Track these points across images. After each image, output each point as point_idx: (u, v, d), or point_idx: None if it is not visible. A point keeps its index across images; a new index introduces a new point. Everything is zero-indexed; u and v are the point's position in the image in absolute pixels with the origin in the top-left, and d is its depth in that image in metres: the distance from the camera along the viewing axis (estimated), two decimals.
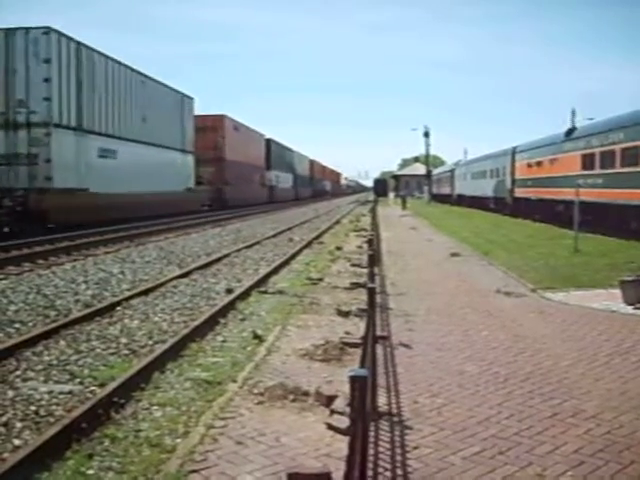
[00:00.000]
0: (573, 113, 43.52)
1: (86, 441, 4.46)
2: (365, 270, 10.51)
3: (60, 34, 20.47)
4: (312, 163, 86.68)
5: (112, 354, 6.78)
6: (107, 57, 24.06)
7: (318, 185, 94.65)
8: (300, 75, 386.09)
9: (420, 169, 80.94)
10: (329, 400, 4.98)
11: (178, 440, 4.49)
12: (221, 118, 40.47)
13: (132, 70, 26.44)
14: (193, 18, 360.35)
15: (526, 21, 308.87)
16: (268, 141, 55.80)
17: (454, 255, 15.34)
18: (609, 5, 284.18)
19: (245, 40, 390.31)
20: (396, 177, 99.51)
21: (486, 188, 40.95)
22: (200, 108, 38.88)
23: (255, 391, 5.38)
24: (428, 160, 69.76)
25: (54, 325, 7.81)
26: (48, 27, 19.85)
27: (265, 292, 10.63)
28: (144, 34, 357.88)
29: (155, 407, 5.21)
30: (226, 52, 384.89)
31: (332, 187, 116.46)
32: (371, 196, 69.97)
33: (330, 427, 4.51)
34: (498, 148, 39.69)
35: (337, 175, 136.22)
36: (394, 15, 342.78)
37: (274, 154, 57.32)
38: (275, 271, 13.17)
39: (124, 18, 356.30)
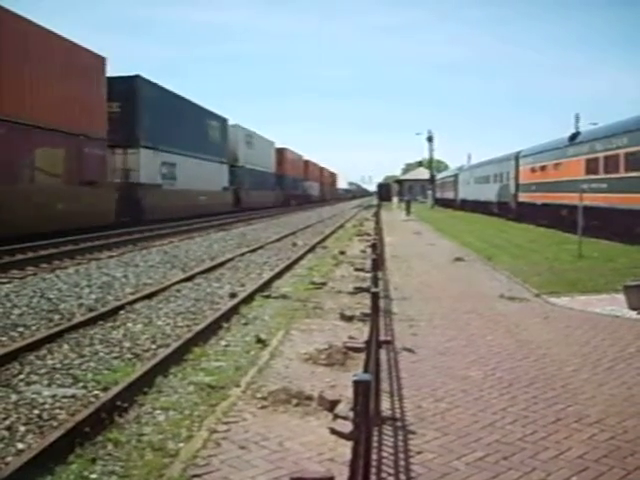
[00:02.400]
0: (577, 118, 43.56)
1: (89, 445, 4.47)
2: (368, 274, 10.50)
3: None
4: (282, 153, 59.61)
5: (115, 358, 6.79)
6: None
7: (295, 187, 66.93)
8: (303, 78, 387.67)
9: (424, 174, 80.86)
10: (332, 404, 4.97)
11: (181, 444, 4.49)
12: None
13: None
14: (206, 21, 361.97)
15: (529, 23, 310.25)
16: (131, 82, 26.45)
17: (458, 260, 15.32)
18: (611, 7, 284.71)
19: (245, 43, 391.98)
20: (400, 182, 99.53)
21: (490, 193, 40.89)
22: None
23: (258, 395, 5.37)
24: (432, 165, 69.78)
25: (58, 329, 7.82)
26: None
27: (269, 296, 10.62)
28: (144, 37, 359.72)
29: (158, 411, 5.21)
30: (228, 55, 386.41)
31: (322, 191, 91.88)
32: (374, 201, 69.96)
33: (333, 432, 4.50)
34: (502, 153, 39.73)
35: (332, 176, 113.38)
36: (397, 17, 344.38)
37: (154, 115, 28.05)
38: (279, 275, 13.17)
39: (123, 21, 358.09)
